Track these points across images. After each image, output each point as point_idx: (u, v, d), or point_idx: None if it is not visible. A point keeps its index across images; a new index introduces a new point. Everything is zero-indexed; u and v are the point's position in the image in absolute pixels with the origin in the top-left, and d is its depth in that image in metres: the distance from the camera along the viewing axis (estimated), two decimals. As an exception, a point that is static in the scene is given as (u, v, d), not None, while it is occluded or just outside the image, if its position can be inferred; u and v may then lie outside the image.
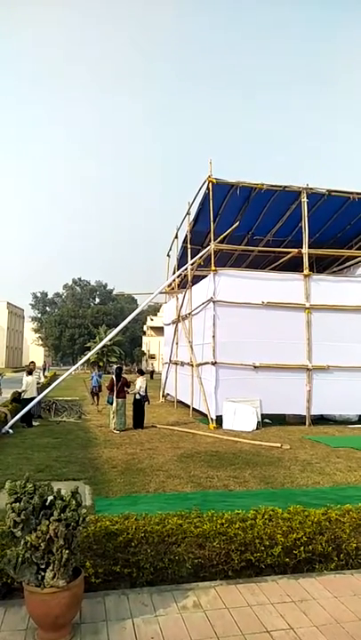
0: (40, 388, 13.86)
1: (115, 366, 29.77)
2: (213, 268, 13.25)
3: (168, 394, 19.59)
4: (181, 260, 17.83)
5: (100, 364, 33.60)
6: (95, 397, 18.14)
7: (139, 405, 12.40)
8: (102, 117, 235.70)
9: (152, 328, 63.17)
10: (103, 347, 25.34)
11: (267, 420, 13.17)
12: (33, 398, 12.43)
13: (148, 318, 65.37)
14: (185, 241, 17.11)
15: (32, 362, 14.68)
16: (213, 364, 12.76)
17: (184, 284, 17.43)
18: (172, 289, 19.33)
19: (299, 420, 13.22)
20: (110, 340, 27.13)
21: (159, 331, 43.47)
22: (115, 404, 11.71)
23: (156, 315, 60.96)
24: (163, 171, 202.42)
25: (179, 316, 17.46)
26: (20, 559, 2.95)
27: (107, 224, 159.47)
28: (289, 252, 15.08)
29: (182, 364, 16.86)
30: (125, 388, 12.09)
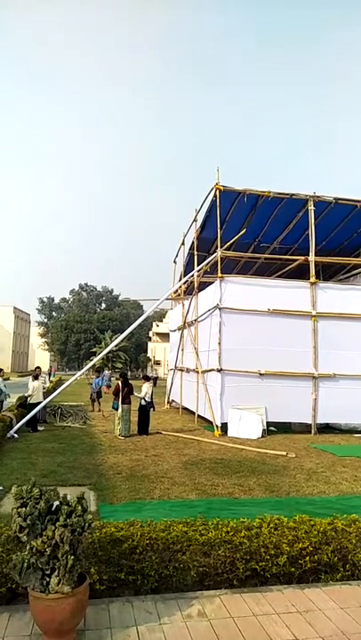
0: (45, 393, 13.90)
1: (105, 372, 29.74)
2: (220, 274, 13.28)
3: (173, 400, 19.56)
4: (188, 267, 17.88)
5: (106, 369, 33.68)
6: (94, 403, 18.00)
7: (144, 411, 12.39)
8: (102, 117, 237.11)
9: (158, 334, 63.20)
10: (109, 352, 25.41)
11: (272, 428, 13.12)
12: (39, 403, 12.48)
13: (154, 324, 65.46)
14: (192, 248, 17.16)
15: (38, 367, 14.73)
16: (219, 370, 12.74)
17: (190, 290, 17.47)
18: (179, 295, 19.36)
19: (304, 429, 13.15)
20: (116, 346, 27.19)
21: (165, 337, 43.50)
22: (120, 410, 11.72)
23: (161, 321, 61.08)
24: (168, 174, 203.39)
25: (185, 323, 17.48)
26: (25, 564, 2.95)
27: (114, 229, 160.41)
28: (295, 260, 15.08)
29: (188, 370, 16.84)
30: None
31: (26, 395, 12.81)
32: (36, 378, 13.10)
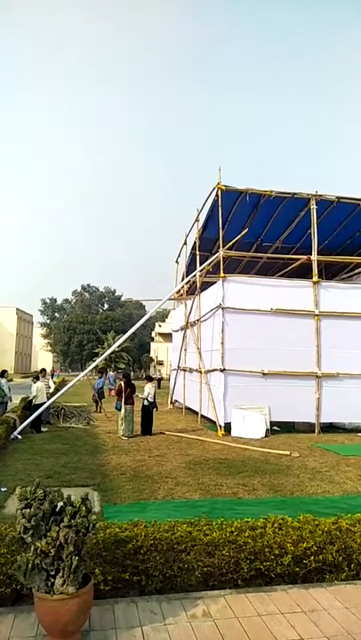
0: (50, 395, 13.90)
1: (109, 373, 29.65)
2: (222, 274, 13.26)
3: (176, 400, 19.56)
4: (190, 267, 17.87)
5: (110, 371, 33.61)
6: (97, 404, 17.95)
7: (147, 412, 12.39)
8: (102, 118, 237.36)
9: (160, 334, 63.15)
10: (111, 353, 25.43)
11: (275, 428, 13.10)
12: (42, 404, 12.49)
13: (157, 324, 65.42)
14: (194, 247, 17.16)
15: (43, 369, 14.78)
16: (222, 370, 12.73)
17: (193, 290, 17.46)
18: (181, 295, 19.36)
19: (308, 428, 13.12)
20: (119, 347, 27.20)
21: (167, 337, 43.46)
22: (123, 411, 11.72)
23: (164, 321, 61.00)
24: (169, 174, 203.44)
25: (187, 323, 17.47)
26: (29, 565, 2.96)
27: (116, 230, 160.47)
28: (298, 259, 15.05)
29: (191, 370, 16.84)
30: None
31: (30, 397, 12.79)
32: (36, 379, 13.13)
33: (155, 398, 12.74)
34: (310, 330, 13.15)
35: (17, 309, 72.25)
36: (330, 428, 13.57)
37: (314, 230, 13.90)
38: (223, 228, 14.22)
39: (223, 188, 13.67)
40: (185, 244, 18.56)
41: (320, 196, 14.10)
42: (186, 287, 18.44)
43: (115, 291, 76.29)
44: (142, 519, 4.13)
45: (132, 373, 33.16)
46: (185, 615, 3.39)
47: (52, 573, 2.99)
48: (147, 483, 7.23)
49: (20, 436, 11.21)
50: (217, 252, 14.26)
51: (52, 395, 14.42)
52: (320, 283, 13.58)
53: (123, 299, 73.47)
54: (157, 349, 61.91)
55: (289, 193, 14.23)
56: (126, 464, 8.58)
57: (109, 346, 36.86)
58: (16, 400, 14.85)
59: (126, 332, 16.43)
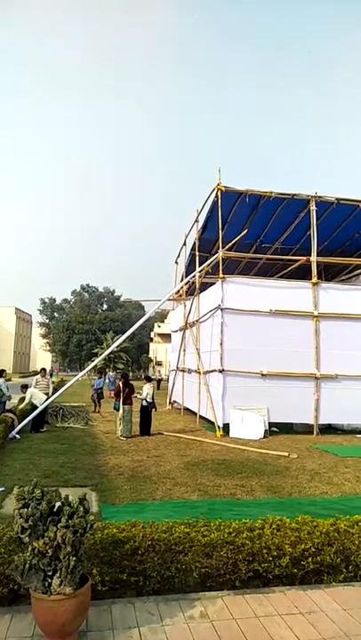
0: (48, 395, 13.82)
1: (109, 373, 29.55)
2: (221, 275, 13.26)
3: (175, 401, 19.55)
4: (189, 268, 17.87)
5: (110, 371, 33.52)
6: (95, 404, 17.92)
7: (145, 412, 12.38)
8: (101, 118, 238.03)
9: (159, 335, 63.13)
10: (110, 353, 25.42)
11: (274, 429, 13.09)
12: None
13: (156, 325, 65.38)
14: (193, 248, 17.16)
15: (43, 368, 14.75)
16: (221, 371, 12.72)
17: (192, 291, 17.46)
18: (180, 296, 19.36)
19: (306, 429, 13.12)
20: (117, 347, 27.18)
21: (166, 337, 43.43)
22: (121, 411, 11.71)
23: (163, 321, 60.97)
24: (169, 174, 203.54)
25: (186, 323, 17.47)
26: (27, 565, 2.95)
27: (115, 230, 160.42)
28: (297, 260, 15.06)
29: (189, 371, 16.83)
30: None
31: (35, 403, 12.61)
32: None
33: (153, 399, 12.73)
34: (309, 331, 13.15)
35: (16, 309, 72.17)
36: (328, 429, 13.58)
37: (313, 231, 13.90)
38: (223, 229, 14.22)
39: (223, 188, 13.67)
40: (184, 244, 18.57)
41: (320, 197, 14.11)
42: (185, 288, 18.44)
43: (114, 291, 76.34)
44: (140, 520, 4.12)
45: (130, 374, 32.97)
46: (182, 616, 3.39)
47: (50, 574, 2.98)
48: (145, 483, 7.22)
49: (18, 436, 11.19)
50: (216, 252, 14.25)
51: (51, 394, 14.36)
52: (319, 284, 13.58)
53: (122, 299, 73.49)
54: (156, 350, 61.82)
55: (289, 194, 14.24)
56: (124, 464, 8.57)
57: (108, 346, 36.79)
58: (15, 400, 14.82)
59: (125, 332, 16.42)
